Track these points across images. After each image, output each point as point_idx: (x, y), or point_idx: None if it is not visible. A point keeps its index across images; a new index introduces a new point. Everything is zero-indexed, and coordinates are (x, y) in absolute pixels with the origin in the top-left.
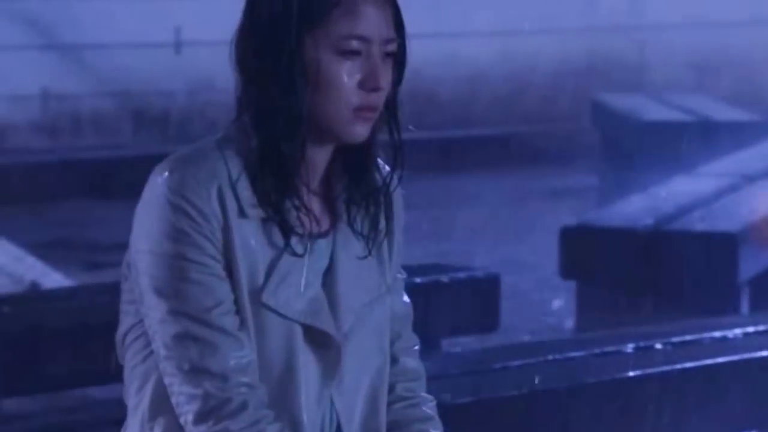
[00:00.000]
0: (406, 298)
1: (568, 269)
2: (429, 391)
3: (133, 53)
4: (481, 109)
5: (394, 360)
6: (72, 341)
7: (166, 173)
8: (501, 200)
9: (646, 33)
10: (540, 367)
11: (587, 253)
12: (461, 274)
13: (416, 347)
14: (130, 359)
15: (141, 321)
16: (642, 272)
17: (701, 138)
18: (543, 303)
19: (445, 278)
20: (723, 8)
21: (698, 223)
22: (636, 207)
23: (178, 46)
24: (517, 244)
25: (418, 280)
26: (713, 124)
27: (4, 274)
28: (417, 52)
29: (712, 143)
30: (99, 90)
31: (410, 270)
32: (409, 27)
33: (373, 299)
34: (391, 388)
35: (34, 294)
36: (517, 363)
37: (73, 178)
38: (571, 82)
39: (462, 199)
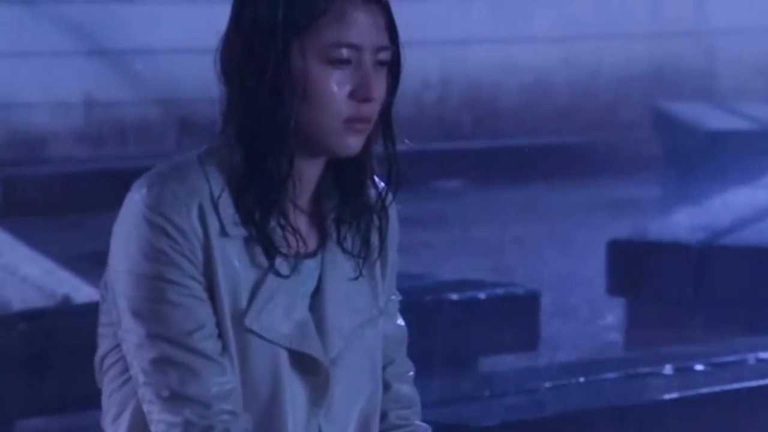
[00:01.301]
0: (400, 321)
1: (615, 285)
2: (460, 412)
3: (179, 59)
4: (542, 118)
5: (386, 386)
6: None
7: (144, 189)
8: (559, 212)
9: (714, 39)
10: (574, 389)
11: (636, 269)
12: (499, 291)
13: (410, 373)
14: (107, 385)
15: (119, 345)
16: (694, 288)
17: None
18: (593, 320)
19: (482, 295)
20: None
21: (753, 236)
22: (689, 220)
23: None
24: (572, 257)
25: (454, 296)
26: None
27: (36, 287)
28: (476, 58)
29: None
30: (144, 97)
31: (447, 286)
32: (468, 33)
33: (364, 322)
34: (384, 416)
35: (56, 309)
36: (551, 384)
37: (116, 188)
38: (635, 90)
39: (518, 210)
